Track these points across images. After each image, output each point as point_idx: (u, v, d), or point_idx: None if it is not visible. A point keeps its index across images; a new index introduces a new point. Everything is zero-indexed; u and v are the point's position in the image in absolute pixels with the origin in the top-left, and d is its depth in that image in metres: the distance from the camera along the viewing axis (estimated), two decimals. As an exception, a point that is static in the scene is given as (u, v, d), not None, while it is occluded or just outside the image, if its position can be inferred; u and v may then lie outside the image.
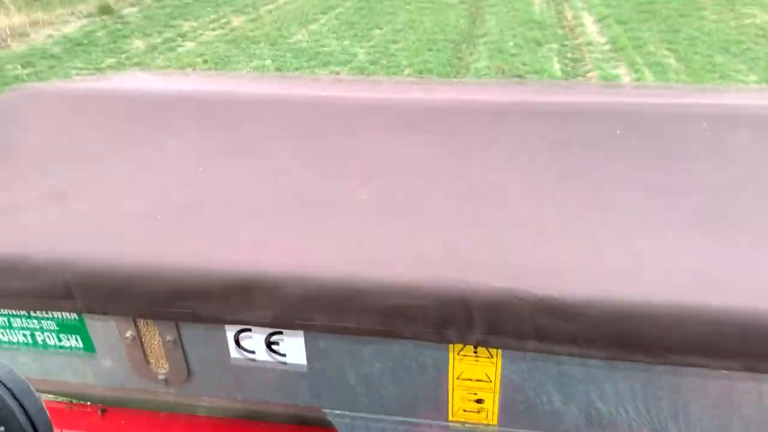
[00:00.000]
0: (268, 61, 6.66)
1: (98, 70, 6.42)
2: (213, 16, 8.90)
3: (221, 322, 1.00)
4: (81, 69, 6.47)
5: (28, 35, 7.74)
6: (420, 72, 6.24)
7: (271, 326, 0.99)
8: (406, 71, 6.29)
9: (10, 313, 1.11)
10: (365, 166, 1.20)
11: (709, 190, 1.05)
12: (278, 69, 6.37)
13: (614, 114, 1.25)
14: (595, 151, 1.16)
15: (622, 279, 0.88)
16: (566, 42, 7.61)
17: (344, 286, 0.92)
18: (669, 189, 1.06)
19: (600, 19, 8.70)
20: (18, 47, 7.25)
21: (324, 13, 9.05)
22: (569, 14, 9.15)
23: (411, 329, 0.93)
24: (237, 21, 8.66)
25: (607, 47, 7.31)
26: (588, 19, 8.79)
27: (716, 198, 1.03)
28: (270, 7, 9.62)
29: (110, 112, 1.43)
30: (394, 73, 6.23)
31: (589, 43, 7.48)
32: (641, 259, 0.90)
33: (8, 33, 7.58)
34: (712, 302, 0.84)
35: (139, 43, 7.48)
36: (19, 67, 6.48)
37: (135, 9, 9.36)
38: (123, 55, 6.95)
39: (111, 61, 6.75)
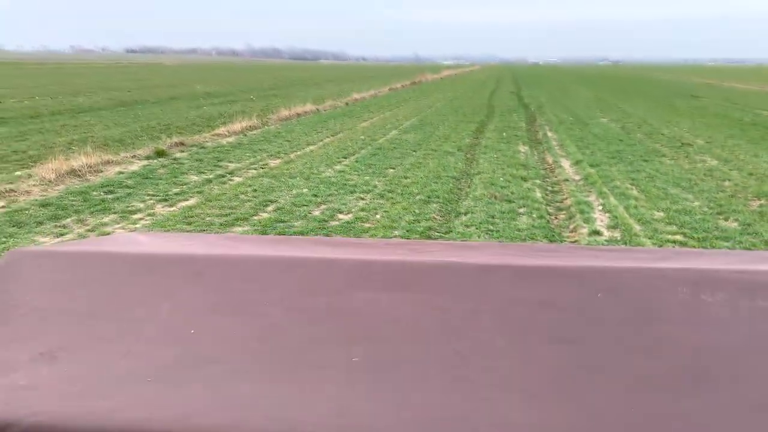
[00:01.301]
0: (305, 190, 8.18)
1: (167, 197, 7.89)
2: (252, 160, 10.63)
3: None
4: (153, 195, 7.95)
5: (101, 171, 9.35)
6: (429, 199, 7.72)
7: None
8: (417, 197, 7.77)
9: None
10: (355, 327, 1.25)
11: (689, 352, 1.10)
12: (315, 195, 7.86)
13: (597, 277, 1.33)
14: (580, 313, 1.22)
15: None
16: (547, 179, 9.23)
17: None
18: (651, 351, 1.11)
19: (575, 163, 10.45)
20: (96, 180, 8.81)
21: (345, 158, 10.81)
22: (550, 159, 10.93)
23: None
24: (273, 163, 10.36)
25: (581, 182, 8.90)
26: (565, 163, 10.53)
27: (695, 359, 1.08)
28: (299, 153, 11.42)
29: (102, 273, 1.49)
30: (408, 198, 7.71)
31: (566, 180, 9.09)
32: (630, 421, 0.94)
33: (87, 169, 9.20)
34: None
35: (195, 178, 9.06)
36: (102, 193, 7.98)
37: (185, 154, 11.12)
38: (185, 186, 8.48)
39: (176, 189, 8.27)
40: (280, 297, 1.35)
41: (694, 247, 5.87)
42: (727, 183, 8.93)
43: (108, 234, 6.19)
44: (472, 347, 1.15)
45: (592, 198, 7.87)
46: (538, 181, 8.92)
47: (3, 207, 7.22)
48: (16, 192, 7.89)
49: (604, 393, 1.00)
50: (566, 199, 7.90)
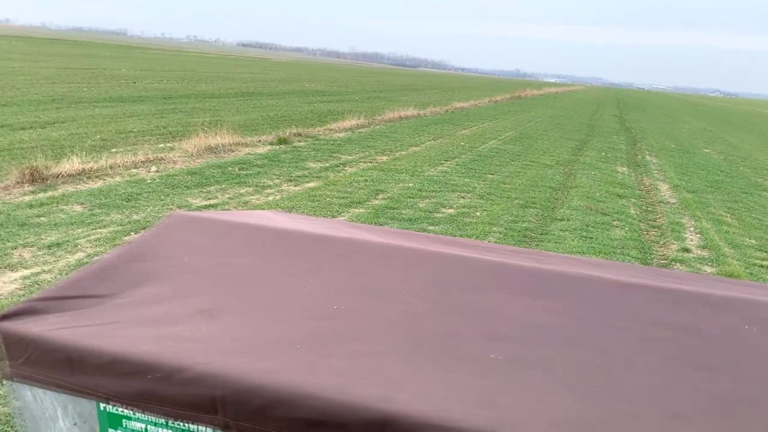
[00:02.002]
0: (411, 184, 8.97)
1: (292, 178, 8.89)
2: (362, 154, 11.55)
3: None
4: (279, 175, 8.98)
5: (233, 151, 10.53)
6: (527, 204, 8.29)
7: None
8: (516, 201, 8.38)
9: (151, 419, 1.17)
10: (493, 325, 1.27)
11: None
12: (420, 190, 8.62)
13: (744, 308, 1.32)
14: (727, 342, 1.20)
15: None
16: (643, 199, 9.57)
17: None
18: None
19: (673, 187, 10.68)
20: (229, 158, 9.97)
21: (447, 161, 11.53)
22: (647, 181, 11.20)
23: None
24: (381, 158, 11.24)
25: (676, 205, 9.20)
26: (663, 187, 10.78)
27: None
28: (404, 152, 12.25)
29: (251, 243, 1.59)
30: (507, 201, 8.33)
31: (661, 201, 9.40)
32: None
33: (221, 148, 10.40)
34: None
35: (314, 165, 10.06)
36: (237, 169, 9.09)
37: (303, 143, 12.21)
38: (306, 171, 9.48)
39: (299, 173, 9.28)
40: (417, 287, 1.41)
41: (782, 273, 6.17)
42: (828, 221, 8.95)
43: (246, 201, 7.21)
44: (610, 361, 1.15)
45: (685, 220, 8.20)
46: (633, 200, 9.29)
47: (158, 171, 8.45)
48: (165, 160, 9.14)
49: (748, 426, 0.99)
50: (660, 218, 8.27)
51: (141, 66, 36.96)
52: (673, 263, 6.17)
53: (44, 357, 1.22)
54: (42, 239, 5.36)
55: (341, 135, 14.08)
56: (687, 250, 6.73)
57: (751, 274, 6.04)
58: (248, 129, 13.45)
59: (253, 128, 13.66)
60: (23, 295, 4.20)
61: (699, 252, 6.70)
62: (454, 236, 6.52)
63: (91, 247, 5.27)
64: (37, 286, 4.38)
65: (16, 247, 5.11)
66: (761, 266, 6.39)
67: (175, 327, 1.24)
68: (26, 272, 4.64)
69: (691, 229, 7.74)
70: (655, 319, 1.27)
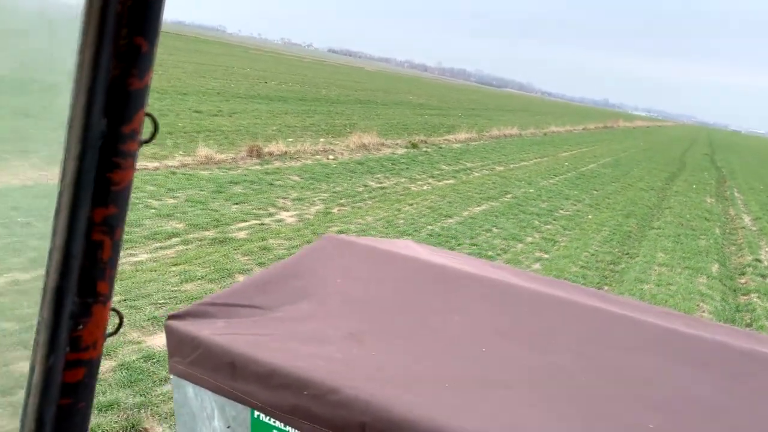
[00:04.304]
0: (531, 190, 10.98)
1: (433, 175, 11.08)
2: (481, 163, 13.63)
3: None
4: (422, 172, 11.18)
5: (379, 149, 12.85)
6: (628, 215, 10.13)
7: None
8: (619, 212, 10.24)
9: None
10: (649, 392, 1.22)
11: None
12: (538, 195, 10.61)
13: None
14: None
15: None
16: (726, 224, 11.21)
17: None
18: None
19: (755, 219, 12.21)
20: (378, 155, 12.27)
21: (555, 176, 13.45)
22: (732, 212, 12.76)
23: None
24: (498, 168, 13.29)
25: (756, 231, 10.79)
26: (746, 217, 12.32)
27: None
28: (516, 165, 14.25)
29: (397, 272, 1.65)
30: (611, 211, 10.20)
31: (743, 227, 11.02)
32: None
33: (371, 146, 12.73)
34: None
35: (446, 167, 12.23)
36: (390, 164, 11.36)
37: (430, 150, 14.42)
38: (441, 171, 11.66)
39: (437, 172, 11.46)
40: (569, 341, 1.40)
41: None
42: None
43: (407, 188, 9.42)
44: None
45: (762, 243, 9.82)
46: (718, 224, 10.95)
47: (334, 159, 10.83)
48: (334, 151, 11.53)
49: None
50: (740, 239, 9.92)
51: (257, 66, 40.44)
52: (746, 268, 7.91)
53: (211, 359, 1.30)
54: (289, 195, 7.74)
55: (458, 146, 16.22)
56: (759, 260, 8.42)
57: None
58: (380, 133, 15.79)
59: (383, 133, 15.98)
60: (303, 226, 6.51)
61: (769, 264, 8.39)
62: (606, 290, 7.54)
63: (321, 203, 7.58)
64: (307, 219, 6.69)
65: (278, 198, 7.50)
66: (820, 280, 8.02)
67: (327, 347, 1.30)
68: (293, 213, 6.97)
69: (767, 249, 9.38)
70: None
